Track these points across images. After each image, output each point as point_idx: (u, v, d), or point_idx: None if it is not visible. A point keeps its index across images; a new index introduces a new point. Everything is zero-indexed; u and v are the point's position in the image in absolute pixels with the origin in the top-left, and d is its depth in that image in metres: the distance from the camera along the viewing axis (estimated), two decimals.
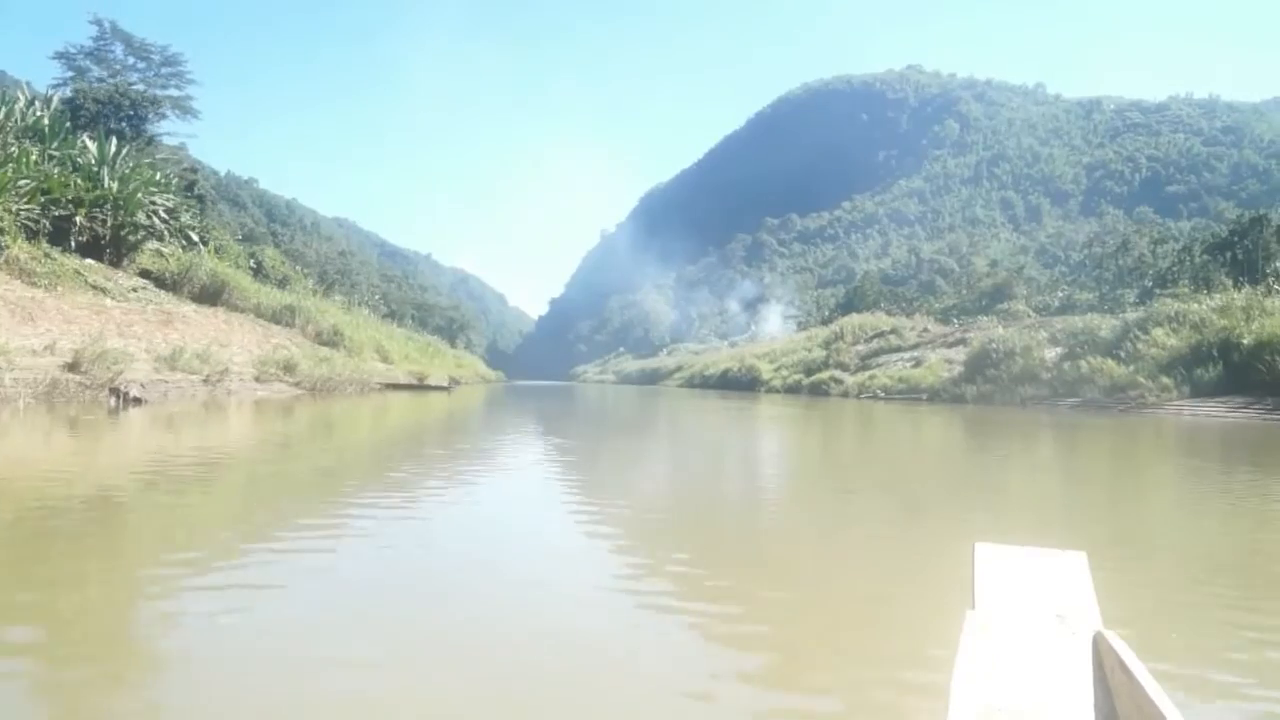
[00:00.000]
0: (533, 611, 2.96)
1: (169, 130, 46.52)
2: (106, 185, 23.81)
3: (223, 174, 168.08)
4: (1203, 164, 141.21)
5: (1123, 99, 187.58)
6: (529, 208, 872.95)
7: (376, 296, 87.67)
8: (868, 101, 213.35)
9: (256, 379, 16.91)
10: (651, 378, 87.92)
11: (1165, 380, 20.46)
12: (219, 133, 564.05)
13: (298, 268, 55.18)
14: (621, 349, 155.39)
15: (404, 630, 2.68)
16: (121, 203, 23.79)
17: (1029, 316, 36.62)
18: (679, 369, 79.61)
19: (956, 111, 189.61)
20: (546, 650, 2.56)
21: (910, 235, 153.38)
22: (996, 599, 1.64)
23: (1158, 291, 32.74)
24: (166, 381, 13.81)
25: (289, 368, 18.60)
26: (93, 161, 24.68)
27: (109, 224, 23.60)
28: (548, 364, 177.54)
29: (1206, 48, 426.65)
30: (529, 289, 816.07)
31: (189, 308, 21.39)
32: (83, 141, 25.59)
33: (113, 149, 25.58)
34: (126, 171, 25.16)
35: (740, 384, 51.41)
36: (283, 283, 34.57)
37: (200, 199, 41.85)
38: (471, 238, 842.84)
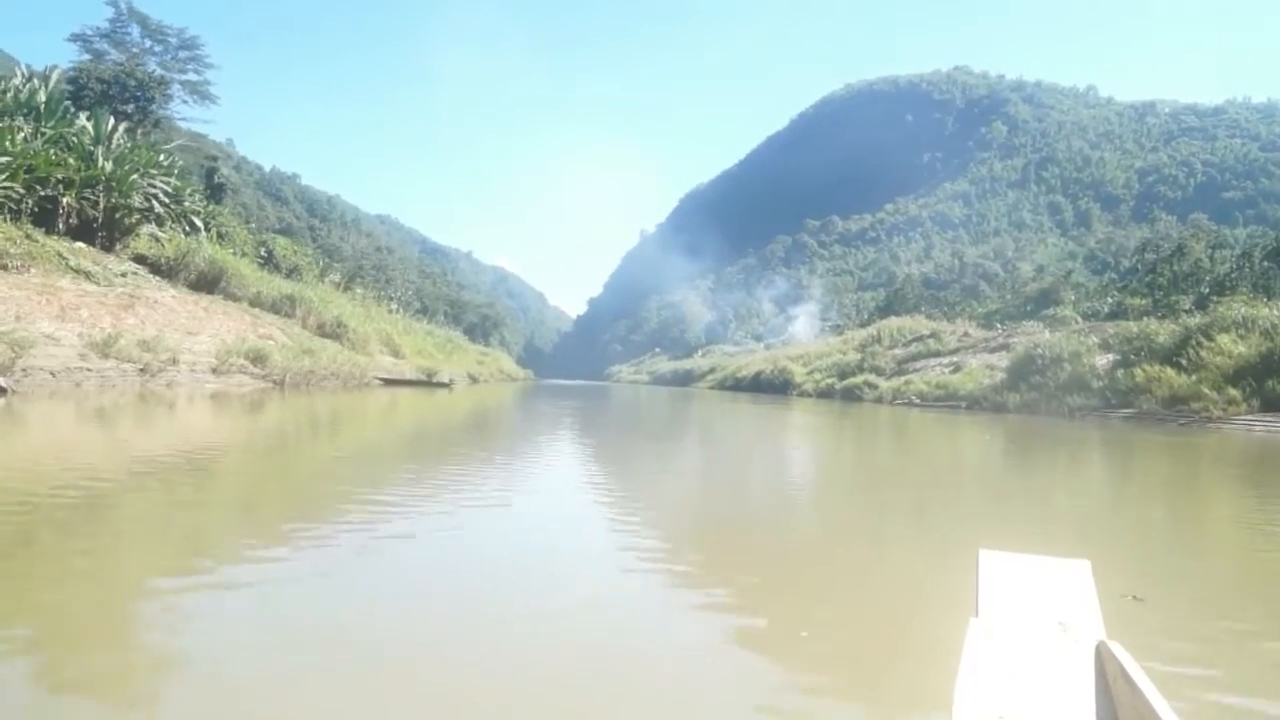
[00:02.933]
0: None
1: (189, 116, 45.73)
2: (100, 165, 22.73)
3: (268, 169, 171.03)
4: (1260, 170, 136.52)
5: (1177, 102, 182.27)
6: (570, 207, 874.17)
7: (410, 292, 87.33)
8: (913, 102, 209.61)
9: (214, 370, 15.55)
10: (685, 379, 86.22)
11: (1232, 392, 18.33)
12: (266, 129, 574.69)
13: (324, 260, 54.51)
14: (657, 349, 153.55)
15: None
16: (115, 184, 22.68)
17: (1076, 322, 34.43)
18: (712, 370, 77.82)
19: (1004, 113, 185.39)
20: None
21: (954, 239, 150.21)
22: (1000, 606, 1.65)
23: (1214, 299, 30.40)
24: (90, 370, 12.47)
25: (259, 359, 17.25)
26: (88, 141, 23.63)
27: (101, 206, 22.52)
28: (584, 363, 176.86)
29: (1266, 50, 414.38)
30: (569, 288, 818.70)
31: (167, 293, 20.16)
32: (80, 121, 24.58)
33: (109, 128, 24.50)
34: (125, 152, 24.06)
35: (773, 386, 49.75)
36: (293, 272, 33.43)
37: (219, 187, 41.05)
38: (512, 236, 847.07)
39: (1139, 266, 52.18)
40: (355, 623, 2.77)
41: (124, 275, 21.08)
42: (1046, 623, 1.59)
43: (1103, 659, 1.44)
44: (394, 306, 58.21)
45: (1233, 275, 37.43)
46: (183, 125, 47.65)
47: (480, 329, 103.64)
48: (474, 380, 41.73)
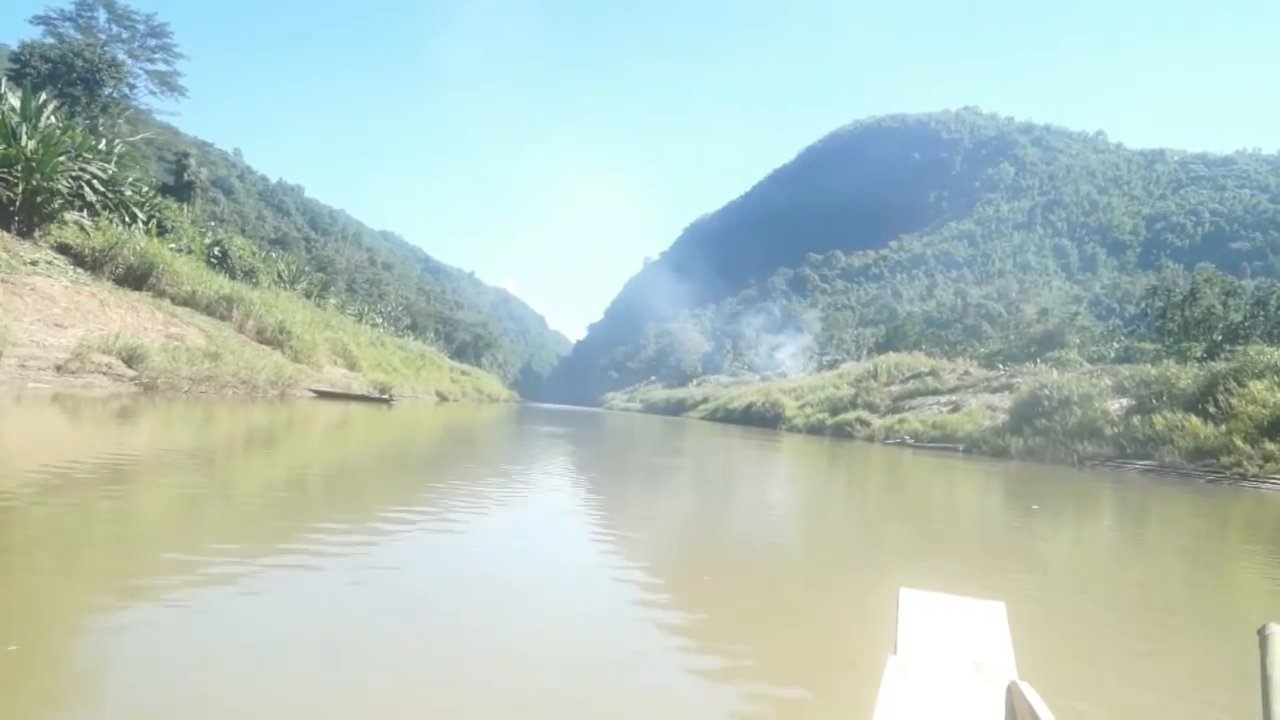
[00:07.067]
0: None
1: (157, 108, 43.73)
2: (22, 144, 20.62)
3: (274, 181, 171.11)
4: (1270, 221, 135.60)
5: (1186, 151, 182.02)
6: (576, 232, 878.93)
7: (400, 308, 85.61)
8: (921, 140, 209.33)
9: (58, 368, 13.28)
10: (677, 408, 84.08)
11: (1269, 446, 16.02)
12: (277, 142, 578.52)
13: (308, 268, 52.43)
14: (653, 377, 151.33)
15: None
16: (36, 165, 20.55)
17: (1082, 366, 32.18)
18: (705, 400, 75.67)
19: (1012, 155, 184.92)
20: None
21: (958, 278, 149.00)
22: (918, 645, 1.67)
23: (1228, 346, 28.28)
24: None
25: (135, 359, 15.03)
26: (14, 120, 21.52)
27: (20, 188, 20.40)
28: (581, 388, 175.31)
29: (1277, 102, 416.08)
30: (570, 313, 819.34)
31: (59, 283, 17.95)
32: (10, 98, 22.49)
33: (38, 105, 22.39)
34: (54, 132, 21.94)
35: (763, 420, 47.52)
36: (249, 274, 31.20)
37: (189, 184, 38.99)
38: (517, 258, 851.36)
39: (1148, 311, 50.16)
40: None
41: (33, 264, 18.95)
42: (961, 662, 1.60)
43: (1014, 699, 1.43)
44: (377, 320, 56.18)
45: (1246, 323, 35.49)
46: (159, 119, 45.85)
47: (472, 349, 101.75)
48: (443, 399, 39.43)
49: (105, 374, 13.93)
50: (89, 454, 6.99)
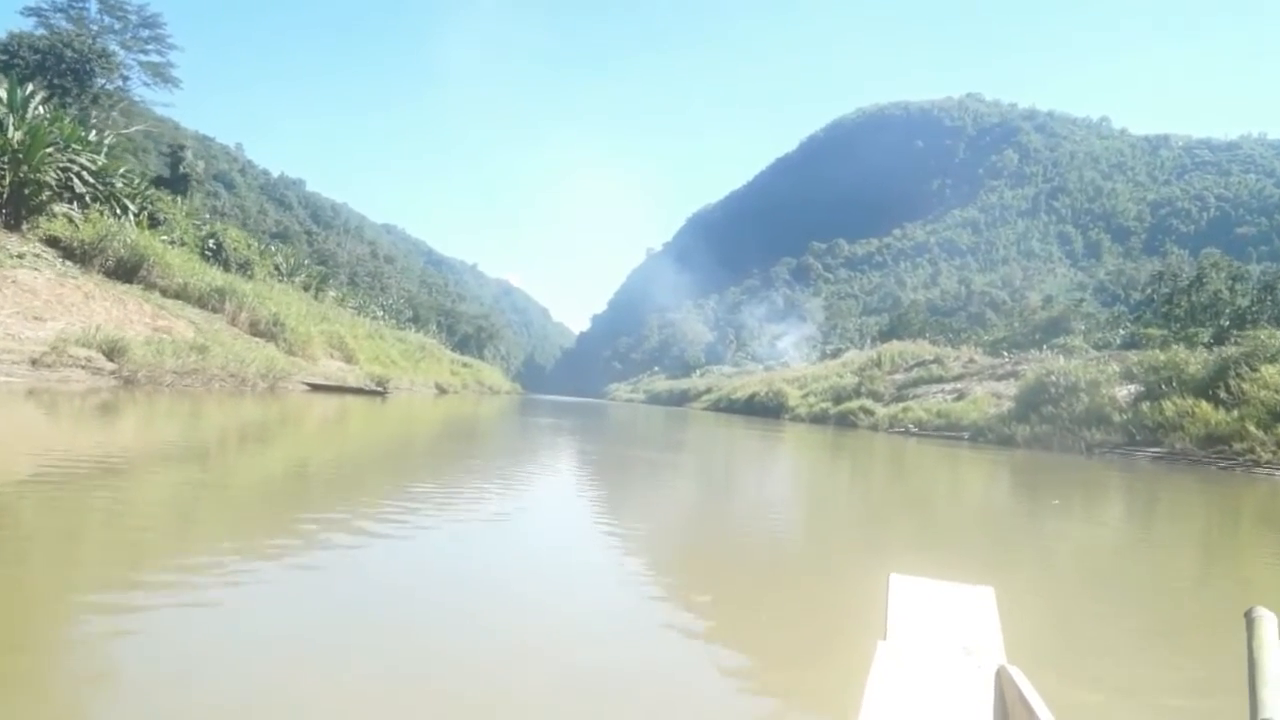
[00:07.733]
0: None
1: (150, 99, 43.44)
2: (9, 135, 20.28)
3: (275, 175, 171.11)
4: (1275, 205, 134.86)
5: (1191, 137, 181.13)
6: (578, 224, 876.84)
7: (402, 300, 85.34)
8: (924, 128, 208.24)
9: (34, 362, 12.94)
10: (681, 399, 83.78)
11: None
12: (279, 136, 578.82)
13: (307, 260, 52.18)
14: (656, 368, 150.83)
15: None
16: (22, 156, 20.21)
17: (1088, 352, 31.78)
18: (708, 391, 75.44)
19: (1016, 142, 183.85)
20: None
21: (961, 266, 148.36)
22: (907, 630, 1.68)
23: (1235, 332, 27.84)
24: None
25: (116, 352, 14.71)
26: (1, 111, 21.17)
27: (7, 180, 20.07)
28: (584, 380, 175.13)
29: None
30: (574, 305, 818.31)
31: (42, 275, 17.62)
32: None
33: (26, 95, 22.03)
34: (41, 123, 21.59)
35: (767, 410, 47.20)
36: (245, 267, 30.88)
37: (184, 177, 38.68)
38: (520, 251, 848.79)
39: (1154, 297, 49.84)
40: None
41: (20, 256, 18.63)
42: (951, 646, 1.61)
43: (1003, 683, 1.43)
44: (378, 312, 55.87)
45: (1253, 308, 35.13)
46: (159, 112, 45.59)
47: (475, 341, 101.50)
48: (442, 391, 39.17)
49: (84, 368, 13.60)
50: (43, 449, 6.68)
